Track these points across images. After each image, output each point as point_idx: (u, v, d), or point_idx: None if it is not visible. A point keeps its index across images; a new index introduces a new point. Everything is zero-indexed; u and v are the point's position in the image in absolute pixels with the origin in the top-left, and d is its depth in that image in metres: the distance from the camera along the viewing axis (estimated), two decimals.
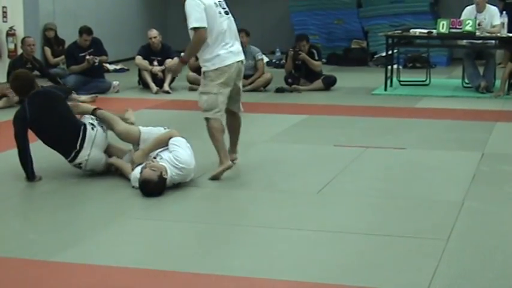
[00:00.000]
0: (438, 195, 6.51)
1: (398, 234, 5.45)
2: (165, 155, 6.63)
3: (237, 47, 7.10)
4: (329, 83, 12.78)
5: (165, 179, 6.39)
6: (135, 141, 7.03)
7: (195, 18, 6.84)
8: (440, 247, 5.12)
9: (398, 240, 5.35)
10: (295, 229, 5.60)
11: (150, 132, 7.05)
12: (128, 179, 6.74)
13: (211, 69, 6.99)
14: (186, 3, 6.90)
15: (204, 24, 6.83)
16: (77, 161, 6.94)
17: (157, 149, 6.78)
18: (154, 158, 6.65)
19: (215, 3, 6.99)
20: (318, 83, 12.75)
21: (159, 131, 7.05)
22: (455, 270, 4.79)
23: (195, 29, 6.85)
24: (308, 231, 5.55)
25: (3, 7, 14.03)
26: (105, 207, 6.25)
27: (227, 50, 6.99)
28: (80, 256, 5.06)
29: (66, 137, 6.92)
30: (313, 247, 5.25)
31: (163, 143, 6.78)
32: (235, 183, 6.90)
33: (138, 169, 6.56)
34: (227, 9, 7.12)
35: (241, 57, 7.17)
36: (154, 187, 6.35)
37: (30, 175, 6.87)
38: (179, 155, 6.54)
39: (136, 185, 6.47)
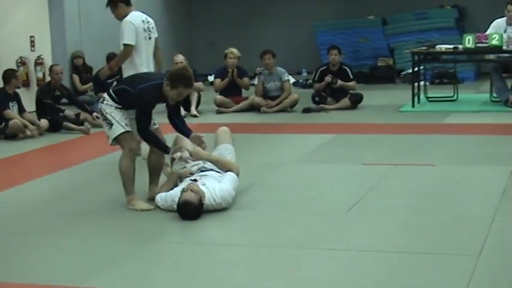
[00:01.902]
0: (468, 211, 6.48)
1: (429, 252, 5.43)
2: (211, 181, 6.65)
3: (150, 67, 8.43)
4: (356, 101, 12.79)
5: (203, 204, 6.41)
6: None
7: (127, 37, 8.19)
8: (472, 263, 5.09)
9: (429, 257, 5.33)
10: (326, 249, 5.59)
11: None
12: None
13: None
14: (123, 22, 8.21)
15: (133, 43, 8.19)
16: None
17: (215, 165, 6.90)
18: (195, 179, 6.69)
19: (144, 28, 8.29)
20: (345, 101, 12.76)
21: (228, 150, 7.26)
22: (487, 286, 4.76)
23: (125, 45, 8.21)
24: (338, 251, 5.54)
25: (31, 36, 14.21)
26: (138, 231, 6.22)
27: (144, 69, 8.23)
28: (110, 282, 5.04)
29: None
30: (344, 266, 5.24)
31: (222, 167, 6.89)
32: (265, 204, 6.91)
33: (178, 189, 6.58)
34: (152, 35, 8.39)
35: None
36: (194, 210, 6.34)
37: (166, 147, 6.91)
38: (223, 189, 6.55)
39: (174, 206, 6.48)
